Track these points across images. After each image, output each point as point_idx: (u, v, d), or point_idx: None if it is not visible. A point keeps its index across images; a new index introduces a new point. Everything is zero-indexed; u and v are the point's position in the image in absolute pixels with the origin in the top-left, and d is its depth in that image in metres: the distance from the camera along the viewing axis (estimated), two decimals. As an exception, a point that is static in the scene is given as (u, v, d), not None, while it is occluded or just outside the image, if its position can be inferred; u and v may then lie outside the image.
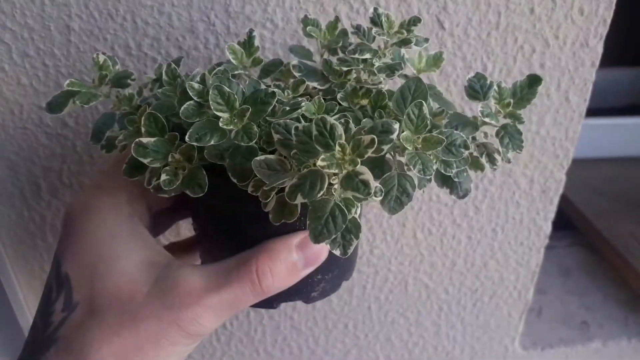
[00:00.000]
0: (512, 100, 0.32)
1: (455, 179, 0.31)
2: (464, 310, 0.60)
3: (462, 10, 0.42)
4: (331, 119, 0.24)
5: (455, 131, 0.28)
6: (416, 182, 0.28)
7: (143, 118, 0.29)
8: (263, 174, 0.26)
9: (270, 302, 0.32)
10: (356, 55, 0.31)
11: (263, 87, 0.29)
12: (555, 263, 0.79)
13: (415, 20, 0.32)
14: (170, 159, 0.28)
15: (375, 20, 0.32)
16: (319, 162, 0.24)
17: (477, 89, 0.32)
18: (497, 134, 0.31)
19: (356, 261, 0.38)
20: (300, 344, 0.59)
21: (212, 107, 0.27)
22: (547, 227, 0.55)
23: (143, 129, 0.29)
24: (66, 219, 0.33)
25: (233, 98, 0.27)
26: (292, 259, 0.30)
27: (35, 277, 0.51)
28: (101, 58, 0.32)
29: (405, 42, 0.31)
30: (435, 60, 0.34)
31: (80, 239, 0.31)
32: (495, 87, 0.32)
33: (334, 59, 0.33)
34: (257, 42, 0.34)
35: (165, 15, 0.40)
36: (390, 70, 0.31)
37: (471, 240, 0.54)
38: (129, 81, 0.32)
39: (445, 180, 0.31)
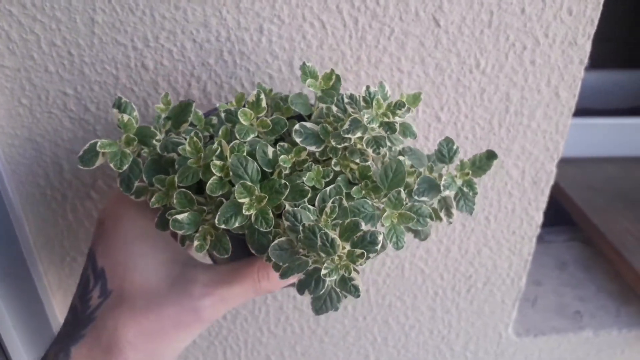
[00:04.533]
0: (470, 171, 0.38)
1: (419, 229, 0.38)
2: (458, 296, 0.63)
3: (456, 9, 0.45)
4: (332, 234, 0.30)
5: (424, 205, 0.35)
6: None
7: (175, 195, 0.34)
8: (276, 255, 0.32)
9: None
10: (348, 135, 0.35)
11: (271, 150, 0.35)
12: (552, 257, 0.81)
13: (401, 105, 0.35)
14: (200, 229, 0.34)
15: (368, 100, 0.35)
16: (323, 271, 0.31)
17: (444, 153, 0.38)
18: (455, 197, 0.38)
19: None
20: (301, 323, 0.63)
21: (236, 196, 0.32)
22: (539, 217, 0.58)
23: (175, 201, 0.34)
24: (99, 222, 0.39)
25: (253, 189, 0.33)
26: None
27: (55, 253, 0.55)
28: (125, 118, 0.36)
29: (390, 127, 0.35)
30: (414, 99, 0.37)
31: (113, 240, 0.38)
32: (458, 158, 0.38)
33: (330, 111, 0.38)
34: (264, 104, 0.37)
35: (181, 10, 0.44)
36: (376, 145, 0.35)
37: (465, 227, 0.57)
38: (154, 142, 0.36)
39: (411, 229, 0.39)
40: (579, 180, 0.93)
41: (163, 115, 0.38)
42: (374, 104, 0.35)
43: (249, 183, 0.33)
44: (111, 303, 0.36)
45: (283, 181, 0.33)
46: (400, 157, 0.36)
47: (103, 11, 0.43)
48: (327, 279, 0.31)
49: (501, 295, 0.63)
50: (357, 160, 0.36)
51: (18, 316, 0.55)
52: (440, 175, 0.37)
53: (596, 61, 1.26)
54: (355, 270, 0.31)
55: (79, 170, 0.50)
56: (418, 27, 0.46)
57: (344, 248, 0.31)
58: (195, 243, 0.34)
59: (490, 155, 0.39)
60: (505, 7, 0.46)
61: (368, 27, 0.46)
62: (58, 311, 0.58)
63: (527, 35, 0.47)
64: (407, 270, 0.60)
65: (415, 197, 0.36)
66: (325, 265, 0.31)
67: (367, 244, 0.31)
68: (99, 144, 0.35)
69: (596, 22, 0.47)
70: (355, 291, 0.32)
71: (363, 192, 0.35)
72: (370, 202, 0.35)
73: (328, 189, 0.34)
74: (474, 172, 0.38)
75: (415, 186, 0.36)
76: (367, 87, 0.36)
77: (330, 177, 0.35)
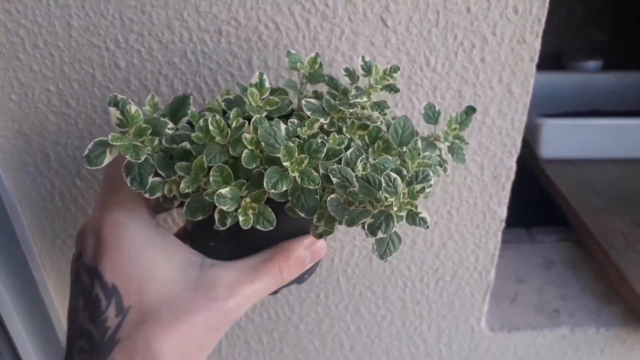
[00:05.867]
0: (457, 126, 0.42)
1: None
2: (427, 288, 0.64)
3: (402, 9, 0.48)
4: (393, 174, 0.32)
5: (432, 155, 0.39)
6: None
7: (212, 171, 0.34)
8: (334, 210, 0.34)
9: (275, 291, 0.40)
10: (357, 100, 0.38)
11: (283, 127, 0.36)
12: (540, 256, 0.82)
13: (396, 69, 0.40)
14: (242, 203, 0.34)
15: (365, 68, 0.40)
16: (394, 209, 0.32)
17: (430, 115, 0.41)
18: (448, 150, 0.42)
19: None
20: (277, 310, 0.66)
21: (282, 161, 0.33)
22: (502, 212, 0.59)
23: (212, 179, 0.34)
24: (96, 237, 0.37)
25: (294, 149, 0.34)
26: (303, 255, 0.39)
27: (47, 236, 0.60)
28: (133, 109, 0.35)
29: (392, 88, 0.40)
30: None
31: (119, 252, 0.36)
32: (444, 115, 0.43)
33: (324, 93, 0.42)
34: (267, 84, 0.39)
35: (146, 14, 0.48)
36: (380, 108, 0.39)
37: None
38: (167, 130, 0.36)
39: None
40: (578, 182, 0.93)
41: (155, 115, 0.38)
42: (372, 70, 0.40)
43: (291, 144, 0.34)
44: (133, 320, 0.34)
45: (320, 140, 0.35)
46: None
47: (78, 16, 0.48)
48: (397, 216, 0.32)
49: (470, 289, 0.64)
50: (368, 122, 0.39)
51: (14, 293, 0.60)
52: (430, 135, 0.42)
53: (611, 63, 1.24)
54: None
55: (64, 160, 0.55)
56: (367, 27, 0.49)
57: (404, 187, 0.32)
58: (241, 218, 0.34)
59: (469, 110, 0.42)
60: (451, 7, 0.48)
61: (320, 28, 0.49)
62: (52, 290, 0.63)
63: (475, 34, 0.49)
64: (375, 261, 0.62)
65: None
66: (393, 203, 0.32)
67: (422, 180, 0.33)
68: (110, 137, 0.34)
69: (543, 20, 0.49)
70: (424, 223, 0.33)
71: (376, 153, 0.38)
72: (391, 159, 0.37)
73: (348, 152, 0.36)
74: (460, 127, 0.42)
75: (419, 143, 0.39)
76: (363, 57, 0.40)
77: (346, 143, 0.38)
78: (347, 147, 0.37)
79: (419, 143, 0.37)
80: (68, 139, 0.54)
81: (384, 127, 0.40)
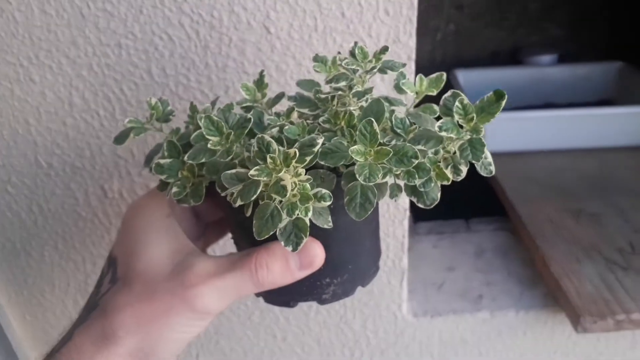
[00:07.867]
0: (475, 116, 0.33)
1: (422, 189, 0.34)
2: (346, 277, 0.68)
3: (282, 17, 0.52)
4: (268, 137, 0.31)
5: (407, 144, 0.32)
6: (389, 191, 0.36)
7: (165, 144, 0.38)
8: (227, 181, 0.32)
9: (287, 301, 0.40)
10: (333, 84, 0.36)
11: (266, 118, 0.37)
12: (473, 245, 0.85)
13: (384, 50, 0.37)
14: (180, 175, 0.37)
15: (353, 53, 0.38)
16: (251, 172, 0.30)
17: (450, 107, 0.34)
18: (460, 147, 0.33)
19: (374, 269, 0.44)
20: (208, 303, 0.70)
21: (204, 133, 0.34)
22: (404, 202, 0.63)
23: (166, 154, 0.38)
24: (123, 217, 0.42)
25: (221, 125, 0.34)
26: (286, 258, 0.36)
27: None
28: (153, 101, 0.41)
29: (371, 70, 0.37)
30: (436, 82, 0.38)
31: (127, 230, 0.41)
32: (458, 103, 0.33)
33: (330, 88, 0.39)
34: (266, 80, 0.41)
35: (52, 33, 0.53)
36: (361, 95, 0.36)
37: (337, 212, 0.63)
38: (170, 117, 0.41)
39: (412, 190, 0.35)
40: (517, 173, 0.96)
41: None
42: (357, 53, 0.37)
43: (215, 118, 0.34)
44: (116, 289, 0.38)
45: (249, 116, 0.34)
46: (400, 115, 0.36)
47: (-9, 37, 0.53)
48: (256, 179, 0.30)
49: (386, 276, 0.68)
50: (344, 110, 0.36)
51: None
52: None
53: (567, 56, 1.27)
54: (288, 173, 0.31)
55: (-5, 169, 0.61)
56: (252, 34, 0.53)
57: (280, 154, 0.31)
58: (174, 189, 0.36)
59: (499, 96, 0.33)
60: (326, 12, 0.52)
61: (209, 37, 0.53)
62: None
63: (353, 36, 0.53)
64: (293, 253, 0.66)
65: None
66: (256, 167, 0.30)
67: (304, 147, 0.31)
68: (127, 120, 0.40)
69: (414, 20, 0.53)
70: (282, 191, 0.30)
71: (347, 143, 0.33)
72: (346, 143, 0.33)
73: (307, 137, 0.33)
74: (482, 119, 0.33)
75: (411, 135, 0.34)
76: (356, 43, 0.38)
77: (315, 132, 0.35)
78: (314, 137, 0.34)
79: (374, 125, 0.32)
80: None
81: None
